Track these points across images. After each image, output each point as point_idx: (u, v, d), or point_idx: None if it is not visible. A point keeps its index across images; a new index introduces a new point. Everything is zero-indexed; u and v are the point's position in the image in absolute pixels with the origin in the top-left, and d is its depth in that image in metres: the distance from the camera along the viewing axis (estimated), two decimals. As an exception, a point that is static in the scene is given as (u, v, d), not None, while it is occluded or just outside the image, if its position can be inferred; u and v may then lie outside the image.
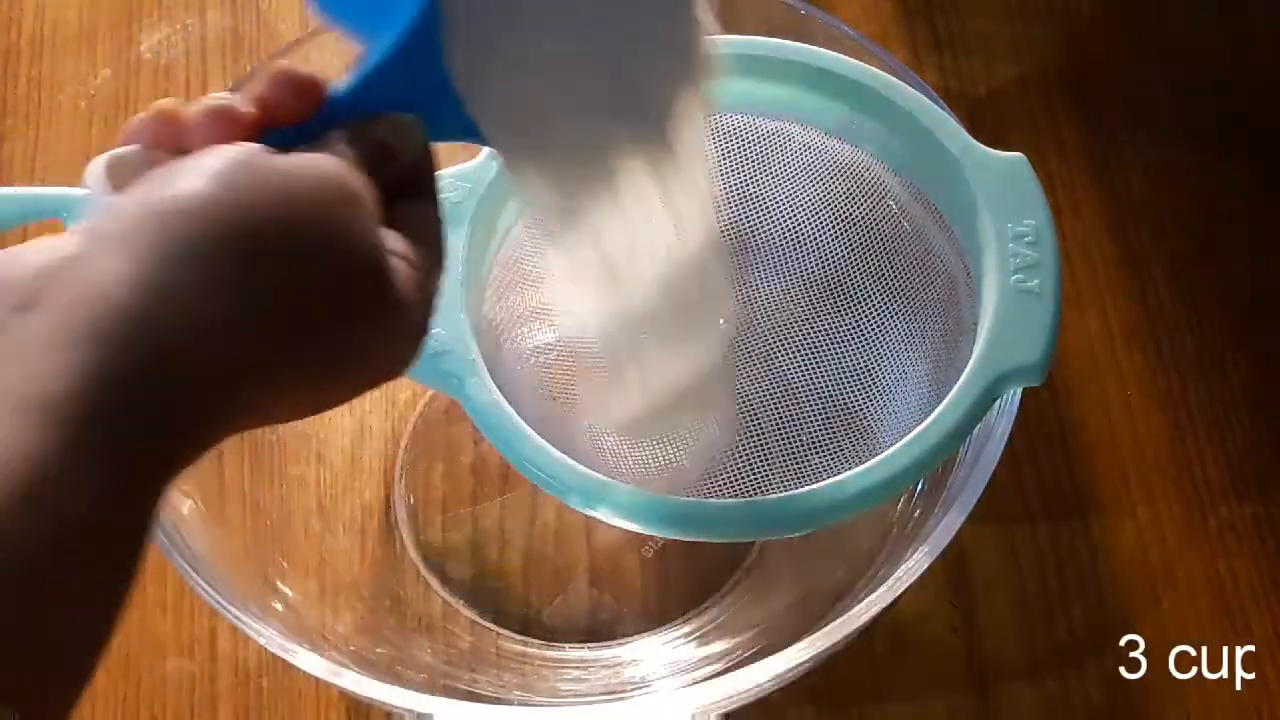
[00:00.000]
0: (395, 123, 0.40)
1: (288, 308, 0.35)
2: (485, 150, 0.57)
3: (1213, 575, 0.66)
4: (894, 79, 0.58)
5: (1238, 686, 0.64)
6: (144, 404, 0.32)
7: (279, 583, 0.59)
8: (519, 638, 0.64)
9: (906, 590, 0.52)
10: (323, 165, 0.37)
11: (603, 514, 0.51)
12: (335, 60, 0.68)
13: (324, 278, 0.36)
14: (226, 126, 0.38)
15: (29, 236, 0.65)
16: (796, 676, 0.55)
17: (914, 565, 0.52)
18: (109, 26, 0.81)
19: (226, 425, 0.35)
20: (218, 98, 0.39)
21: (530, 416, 0.53)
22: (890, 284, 0.61)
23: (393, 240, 0.38)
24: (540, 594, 0.64)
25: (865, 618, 0.52)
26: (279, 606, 0.58)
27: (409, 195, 0.40)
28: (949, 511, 0.53)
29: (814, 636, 0.51)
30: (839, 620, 0.51)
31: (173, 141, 0.38)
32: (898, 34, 0.79)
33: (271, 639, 0.52)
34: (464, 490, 0.67)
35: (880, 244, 0.61)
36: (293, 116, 0.39)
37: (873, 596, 0.52)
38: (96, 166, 0.38)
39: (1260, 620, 0.65)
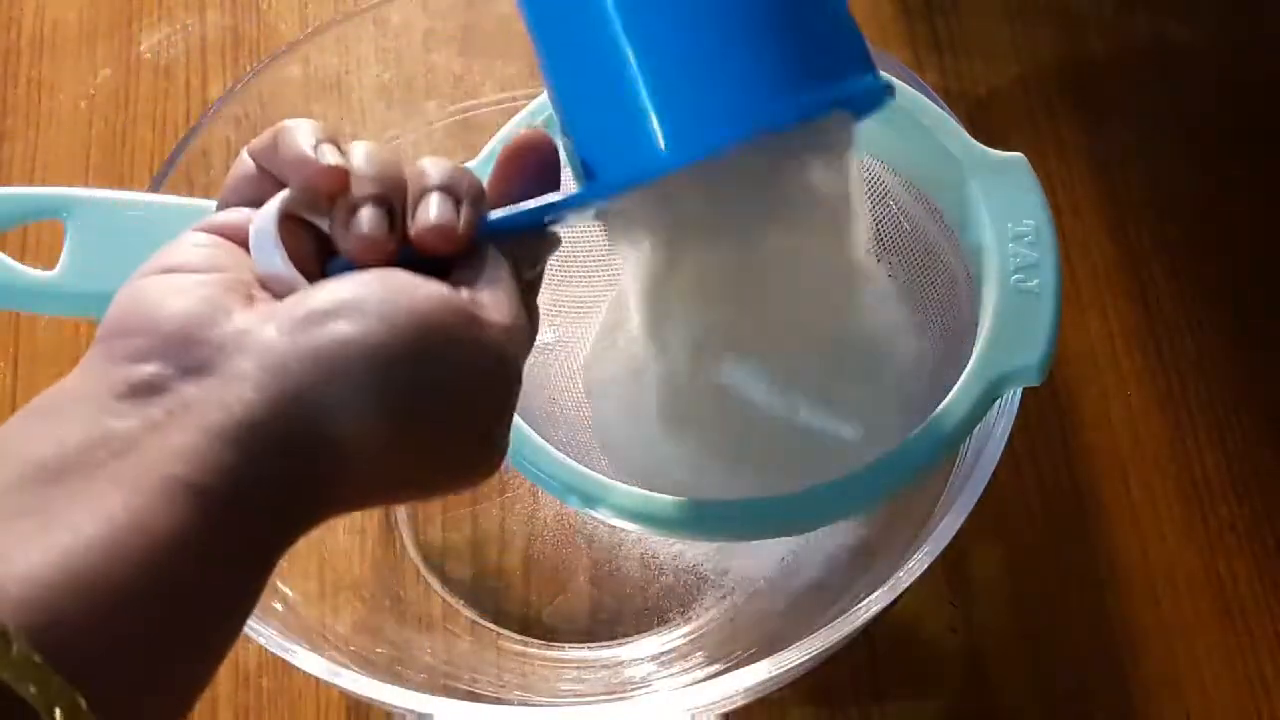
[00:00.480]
0: (538, 245, 0.43)
1: (425, 451, 0.38)
2: (485, 150, 0.57)
3: (1213, 575, 0.66)
4: (894, 79, 0.58)
5: (1238, 686, 0.64)
6: (276, 498, 0.35)
7: (279, 582, 0.59)
8: (519, 638, 0.64)
9: (906, 590, 0.52)
10: (450, 299, 0.38)
11: (603, 514, 0.51)
12: (335, 60, 0.68)
13: (448, 428, 0.38)
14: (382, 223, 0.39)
15: (29, 236, 0.65)
16: (796, 676, 0.55)
17: (914, 565, 0.52)
18: (109, 26, 0.81)
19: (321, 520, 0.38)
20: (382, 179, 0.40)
21: (531, 416, 0.53)
22: (890, 284, 0.61)
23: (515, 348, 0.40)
24: (540, 594, 0.64)
25: (865, 618, 0.52)
26: (279, 606, 0.58)
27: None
28: (949, 511, 0.53)
29: (814, 636, 0.51)
30: (839, 620, 0.51)
31: (330, 201, 0.39)
32: (898, 34, 0.79)
33: (271, 639, 0.52)
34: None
35: (880, 244, 0.61)
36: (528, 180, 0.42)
37: (872, 596, 0.52)
38: (267, 225, 0.39)
39: (1260, 620, 0.65)
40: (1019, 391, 0.54)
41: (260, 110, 0.66)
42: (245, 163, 0.41)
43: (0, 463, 0.33)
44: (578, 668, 0.63)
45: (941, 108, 0.57)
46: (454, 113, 0.69)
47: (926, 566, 0.52)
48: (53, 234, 0.52)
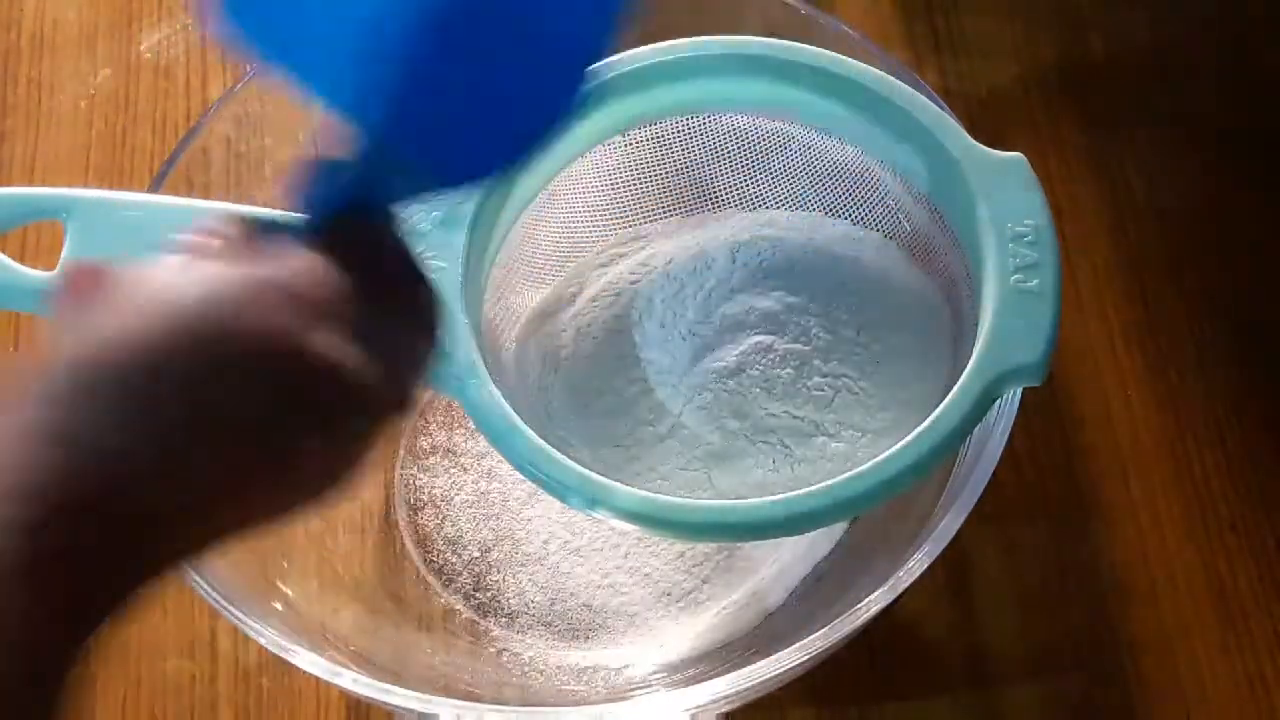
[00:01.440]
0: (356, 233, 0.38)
1: (203, 437, 0.34)
2: None
3: (1213, 575, 0.66)
4: (894, 79, 0.58)
5: (1238, 686, 0.64)
6: (62, 554, 0.31)
7: (279, 582, 0.59)
8: (518, 638, 0.64)
9: (906, 590, 0.52)
10: (229, 278, 0.35)
11: (603, 514, 0.51)
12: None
13: (232, 393, 0.34)
14: None
15: (29, 237, 0.65)
16: (796, 676, 0.55)
17: (914, 566, 0.52)
18: (109, 26, 0.81)
19: (174, 551, 0.34)
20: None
21: (530, 417, 0.53)
22: (890, 284, 0.61)
23: (327, 337, 0.36)
24: (540, 595, 0.64)
25: (865, 617, 0.52)
26: (279, 606, 0.58)
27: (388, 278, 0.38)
28: (949, 511, 0.53)
29: (814, 636, 0.51)
30: (839, 620, 0.51)
31: None
32: (898, 34, 0.79)
33: (271, 639, 0.52)
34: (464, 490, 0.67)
35: (880, 244, 0.61)
36: None
37: (872, 596, 0.52)
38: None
39: (1260, 620, 0.65)
40: (1019, 391, 0.54)
41: (260, 109, 0.66)
42: None
43: None
44: (578, 668, 0.63)
45: (941, 108, 0.57)
46: (454, 112, 0.69)
47: (926, 566, 0.52)
48: (53, 234, 0.52)
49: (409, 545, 0.66)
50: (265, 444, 0.35)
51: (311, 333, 0.35)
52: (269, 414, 0.35)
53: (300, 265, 0.36)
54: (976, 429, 0.53)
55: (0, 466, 0.31)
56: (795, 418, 0.57)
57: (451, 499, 0.67)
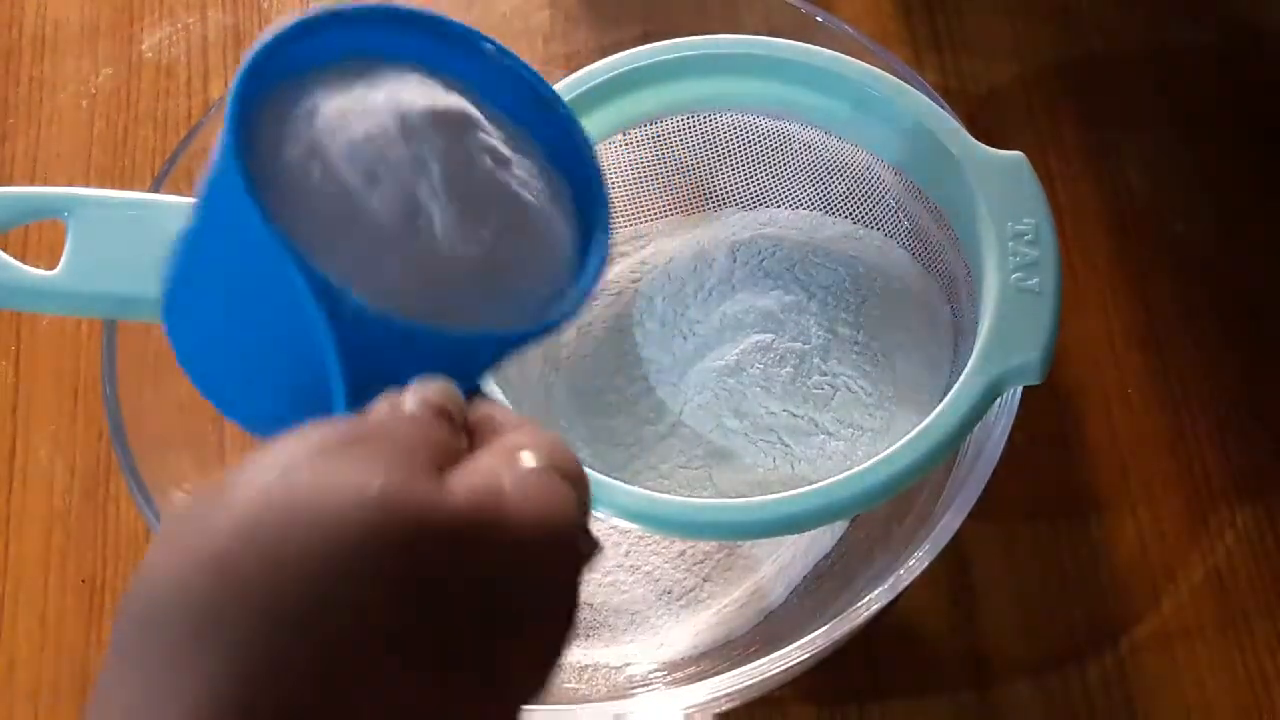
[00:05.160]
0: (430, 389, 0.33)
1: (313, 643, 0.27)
2: None
3: (1213, 574, 0.66)
4: (894, 78, 0.58)
5: (1238, 686, 0.64)
6: None
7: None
8: (519, 636, 0.64)
9: (906, 589, 0.52)
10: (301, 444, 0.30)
11: (604, 513, 0.51)
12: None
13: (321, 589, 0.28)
14: None
15: (30, 236, 0.65)
16: (796, 675, 0.55)
17: (914, 565, 0.52)
18: (110, 25, 0.81)
19: None
20: None
21: (531, 415, 0.53)
22: (890, 283, 0.61)
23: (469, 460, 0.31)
24: (540, 593, 0.64)
25: (865, 616, 0.52)
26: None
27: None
28: (949, 511, 0.53)
29: (814, 634, 0.51)
30: (839, 618, 0.51)
31: None
32: (898, 33, 0.79)
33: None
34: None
35: (880, 243, 0.61)
36: None
37: (872, 595, 0.52)
38: None
39: (1260, 620, 0.65)
40: (1019, 390, 0.54)
41: (261, 109, 0.66)
42: None
43: None
44: (577, 668, 0.63)
45: (941, 107, 0.57)
46: (455, 112, 0.69)
47: (926, 566, 0.52)
48: (54, 234, 0.52)
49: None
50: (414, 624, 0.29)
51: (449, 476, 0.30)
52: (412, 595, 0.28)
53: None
54: (976, 428, 0.53)
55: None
56: (795, 416, 0.57)
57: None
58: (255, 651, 0.27)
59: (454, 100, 0.38)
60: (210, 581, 0.27)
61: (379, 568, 0.28)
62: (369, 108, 0.37)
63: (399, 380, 0.34)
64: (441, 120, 0.37)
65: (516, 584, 0.29)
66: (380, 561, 0.28)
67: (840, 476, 0.51)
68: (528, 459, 0.31)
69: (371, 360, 0.34)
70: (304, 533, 0.27)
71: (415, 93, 0.37)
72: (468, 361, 0.37)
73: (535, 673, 0.30)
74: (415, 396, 0.32)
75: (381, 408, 0.32)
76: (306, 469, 0.28)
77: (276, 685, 0.27)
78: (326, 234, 0.36)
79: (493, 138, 0.38)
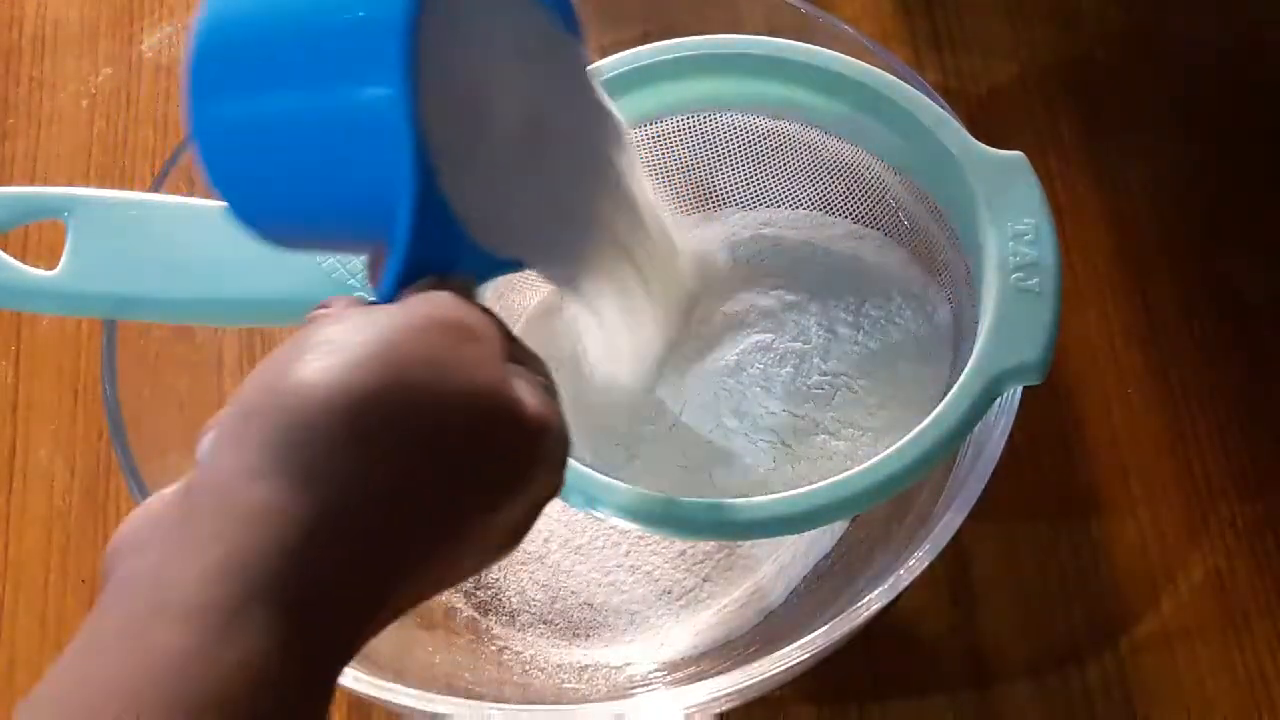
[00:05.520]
0: (458, 281, 0.39)
1: (429, 479, 0.34)
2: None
3: (1213, 574, 0.66)
4: (894, 78, 0.58)
5: (1238, 686, 0.64)
6: (291, 602, 0.32)
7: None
8: (519, 636, 0.64)
9: (906, 589, 0.52)
10: (429, 308, 0.35)
11: (603, 514, 0.51)
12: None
13: (455, 435, 0.34)
14: None
15: (30, 236, 0.65)
16: (796, 675, 0.55)
17: (914, 564, 0.52)
18: (110, 25, 0.81)
19: (397, 600, 0.35)
20: None
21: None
22: (890, 283, 0.61)
23: (514, 367, 0.37)
24: (540, 593, 0.64)
25: (865, 616, 0.52)
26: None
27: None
28: (949, 511, 0.53)
29: (814, 634, 0.51)
30: (839, 618, 0.51)
31: None
32: (898, 32, 0.79)
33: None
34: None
35: (880, 242, 0.61)
36: None
37: (872, 595, 0.52)
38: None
39: (1260, 619, 0.65)
40: (1019, 390, 0.54)
41: (261, 109, 0.66)
42: None
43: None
44: (578, 668, 0.63)
45: (941, 106, 0.57)
46: (455, 112, 0.69)
47: (926, 566, 0.52)
48: (54, 234, 0.52)
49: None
50: (491, 491, 0.35)
51: (515, 380, 0.36)
52: (495, 466, 0.35)
53: (464, 308, 0.37)
54: (976, 428, 0.53)
55: (249, 512, 0.32)
56: (795, 416, 0.57)
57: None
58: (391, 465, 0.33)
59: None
60: (355, 408, 0.33)
61: (480, 438, 0.35)
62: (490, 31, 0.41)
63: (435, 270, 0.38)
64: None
65: (536, 471, 0.36)
66: (477, 434, 0.35)
67: (840, 476, 0.51)
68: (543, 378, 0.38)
69: (426, 252, 0.38)
70: (434, 397, 0.34)
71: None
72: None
73: (508, 540, 0.37)
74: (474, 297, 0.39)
75: (445, 296, 0.37)
76: (441, 348, 0.35)
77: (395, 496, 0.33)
78: (443, 127, 0.38)
79: None
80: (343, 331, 0.34)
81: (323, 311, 0.37)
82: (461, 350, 0.35)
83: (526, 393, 0.36)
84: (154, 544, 0.33)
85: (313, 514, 0.32)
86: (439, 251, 0.39)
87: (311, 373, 0.33)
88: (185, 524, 0.32)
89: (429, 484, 0.34)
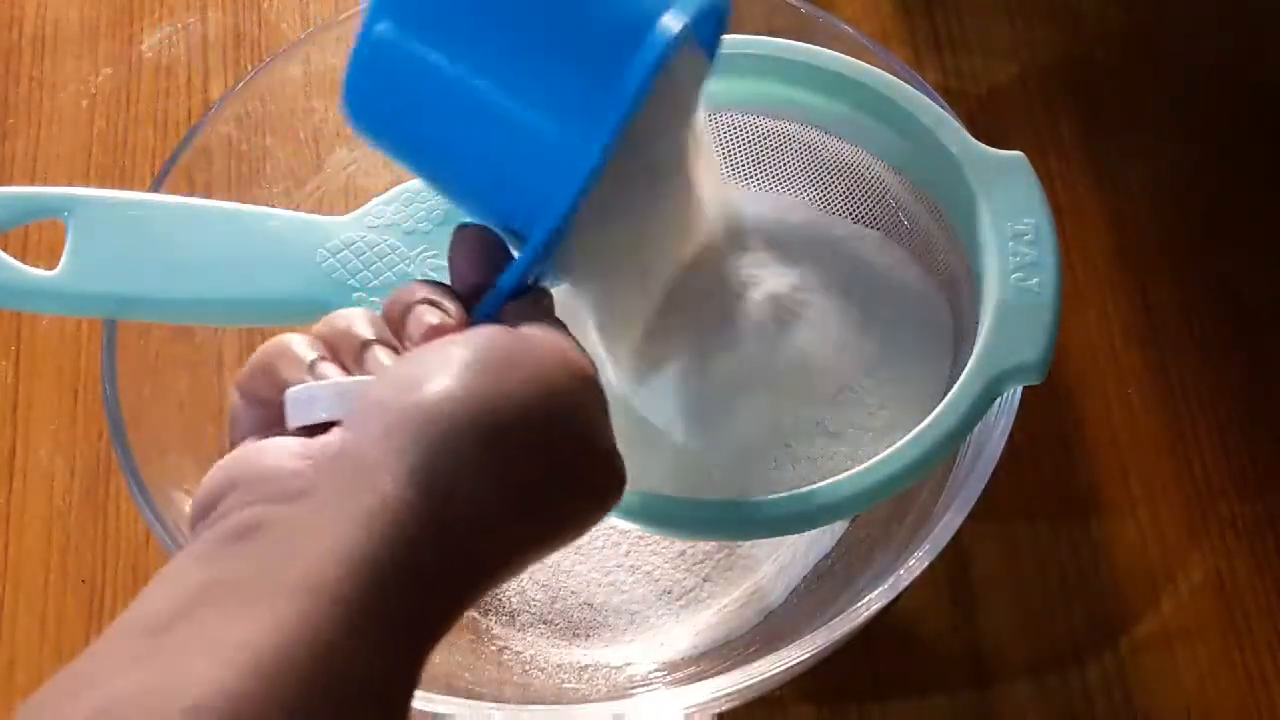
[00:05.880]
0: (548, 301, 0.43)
1: (540, 493, 0.38)
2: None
3: (1213, 574, 0.66)
4: (894, 78, 0.58)
5: (1238, 685, 0.64)
6: (412, 589, 0.35)
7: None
8: (519, 636, 0.64)
9: (907, 589, 0.52)
10: (561, 350, 0.39)
11: (602, 513, 0.51)
12: (336, 59, 0.69)
13: (569, 464, 0.38)
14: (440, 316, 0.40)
15: (30, 236, 0.65)
16: (796, 674, 0.55)
17: (914, 564, 0.52)
18: (110, 25, 0.81)
19: (476, 597, 0.38)
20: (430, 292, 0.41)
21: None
22: (890, 282, 0.61)
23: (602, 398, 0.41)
24: (540, 593, 0.64)
25: (865, 616, 0.52)
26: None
27: None
28: (949, 511, 0.53)
29: (814, 634, 0.51)
30: (839, 618, 0.51)
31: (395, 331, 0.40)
32: (898, 32, 0.79)
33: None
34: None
35: (880, 242, 0.61)
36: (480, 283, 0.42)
37: (872, 595, 0.52)
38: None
39: (1260, 619, 0.65)
40: (1019, 390, 0.54)
41: (261, 109, 0.66)
42: (237, 400, 0.41)
43: (123, 622, 0.33)
44: (579, 666, 0.63)
45: (941, 106, 0.57)
46: (455, 112, 0.69)
47: (926, 565, 0.52)
48: (54, 234, 0.52)
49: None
50: (588, 498, 0.40)
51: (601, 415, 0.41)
52: (588, 477, 0.40)
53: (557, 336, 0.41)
54: (976, 428, 0.53)
55: (362, 509, 0.34)
56: (796, 416, 0.57)
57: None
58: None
59: None
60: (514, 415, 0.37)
61: (582, 455, 0.40)
62: None
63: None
64: None
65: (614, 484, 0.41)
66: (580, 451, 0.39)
67: (840, 476, 0.51)
68: None
69: (539, 270, 0.42)
70: (549, 417, 0.38)
71: None
72: None
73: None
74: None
75: (559, 337, 0.41)
76: (564, 390, 0.39)
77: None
78: None
79: None
80: (473, 354, 0.37)
81: (444, 328, 0.39)
82: (591, 398, 0.40)
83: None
84: (288, 499, 0.35)
85: (442, 514, 0.35)
86: (542, 270, 0.42)
87: (454, 391, 0.36)
88: (324, 495, 0.35)
89: (544, 492, 0.38)
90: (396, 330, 0.40)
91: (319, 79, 0.68)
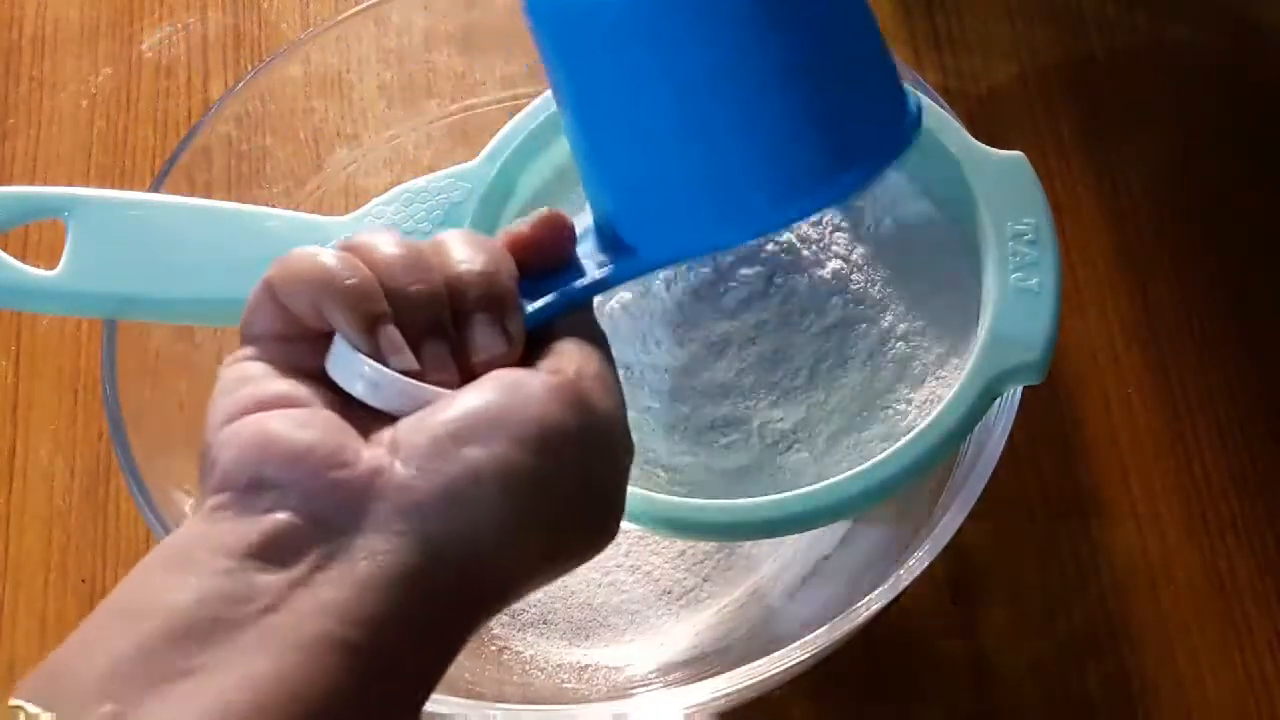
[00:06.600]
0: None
1: (554, 548, 0.39)
2: (485, 151, 0.57)
3: (1213, 573, 0.66)
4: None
5: (1238, 685, 0.64)
6: (432, 648, 0.36)
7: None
8: (519, 636, 0.64)
9: (907, 589, 0.52)
10: (593, 390, 0.39)
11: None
12: (336, 59, 0.69)
13: (581, 514, 0.39)
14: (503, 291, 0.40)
15: (30, 236, 0.65)
16: (796, 675, 0.55)
17: (914, 564, 0.52)
18: (110, 25, 0.81)
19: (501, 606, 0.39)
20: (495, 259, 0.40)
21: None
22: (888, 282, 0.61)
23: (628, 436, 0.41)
24: (540, 593, 0.64)
25: (865, 616, 0.52)
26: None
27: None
28: (949, 511, 0.53)
29: (814, 634, 0.51)
30: (839, 618, 0.51)
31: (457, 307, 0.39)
32: (898, 32, 0.79)
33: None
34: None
35: (879, 242, 0.61)
36: (551, 262, 0.41)
37: (872, 595, 0.52)
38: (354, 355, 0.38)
39: (1260, 619, 0.65)
40: (1019, 390, 0.54)
41: (261, 109, 0.66)
42: (263, 295, 0.39)
43: (141, 616, 0.33)
44: (578, 666, 0.63)
45: (941, 106, 0.57)
46: (455, 111, 0.69)
47: (926, 565, 0.52)
48: (54, 233, 0.52)
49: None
50: (596, 500, 0.40)
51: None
52: (600, 476, 0.40)
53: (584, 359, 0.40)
54: (976, 428, 0.53)
55: (384, 564, 0.35)
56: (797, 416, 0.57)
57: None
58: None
59: None
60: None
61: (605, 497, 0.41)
62: None
63: None
64: None
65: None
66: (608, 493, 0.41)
67: (841, 477, 0.51)
68: None
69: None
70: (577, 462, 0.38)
71: None
72: None
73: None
74: None
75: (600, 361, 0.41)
76: (596, 423, 0.39)
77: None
78: None
79: None
80: (522, 423, 0.37)
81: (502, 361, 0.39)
82: (596, 427, 0.39)
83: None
84: (326, 515, 0.35)
85: (469, 576, 0.36)
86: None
87: (502, 459, 0.36)
88: (363, 531, 0.35)
89: (556, 546, 0.39)
90: (458, 308, 0.39)
91: (319, 79, 0.68)
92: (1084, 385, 0.70)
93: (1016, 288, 0.53)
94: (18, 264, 0.51)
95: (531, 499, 0.36)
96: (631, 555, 0.64)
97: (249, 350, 0.39)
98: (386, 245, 0.39)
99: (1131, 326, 0.71)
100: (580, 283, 0.41)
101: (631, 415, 0.54)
